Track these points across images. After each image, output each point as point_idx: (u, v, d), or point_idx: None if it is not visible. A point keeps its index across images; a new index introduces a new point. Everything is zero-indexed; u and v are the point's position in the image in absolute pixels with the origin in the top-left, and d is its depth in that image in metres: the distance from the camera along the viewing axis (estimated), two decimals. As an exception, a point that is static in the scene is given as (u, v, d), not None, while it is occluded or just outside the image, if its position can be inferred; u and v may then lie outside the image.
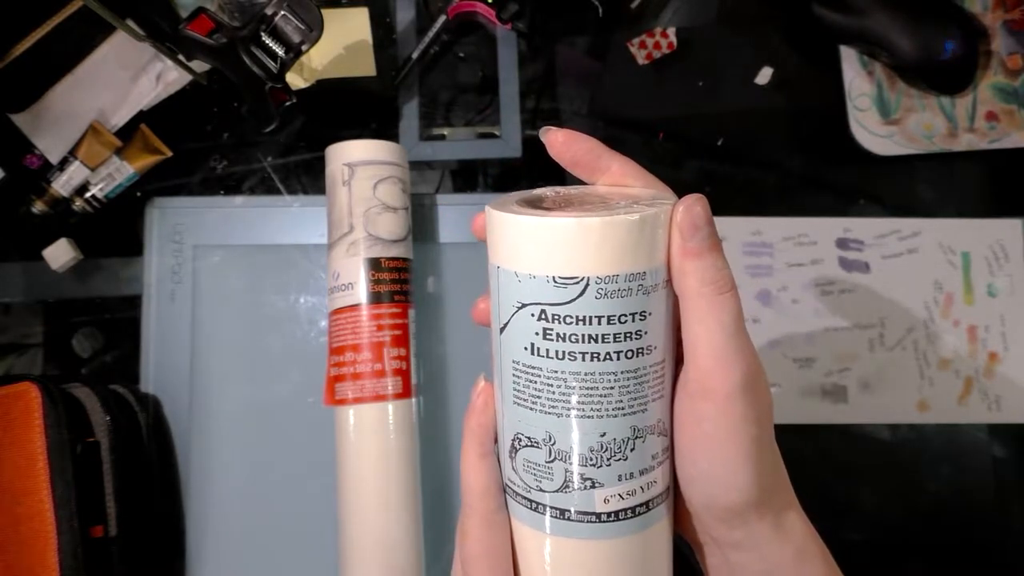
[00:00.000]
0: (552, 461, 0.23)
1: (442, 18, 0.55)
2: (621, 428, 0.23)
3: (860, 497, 0.53)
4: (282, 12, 0.46)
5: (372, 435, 0.44)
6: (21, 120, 0.53)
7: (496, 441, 0.26)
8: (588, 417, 0.23)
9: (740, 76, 0.57)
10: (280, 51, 0.46)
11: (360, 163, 0.46)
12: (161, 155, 0.53)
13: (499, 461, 0.26)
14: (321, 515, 0.48)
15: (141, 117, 0.54)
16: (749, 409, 0.23)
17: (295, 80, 0.54)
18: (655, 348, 0.23)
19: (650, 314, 0.23)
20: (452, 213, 0.53)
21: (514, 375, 0.24)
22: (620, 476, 0.23)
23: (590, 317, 0.22)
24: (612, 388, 0.23)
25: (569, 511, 0.24)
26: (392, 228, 0.46)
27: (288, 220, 0.53)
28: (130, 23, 0.49)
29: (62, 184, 0.51)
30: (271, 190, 0.55)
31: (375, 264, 0.45)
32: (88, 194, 0.52)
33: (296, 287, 0.52)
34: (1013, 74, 0.56)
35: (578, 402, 0.23)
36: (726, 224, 0.55)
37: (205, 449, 0.50)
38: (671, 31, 0.56)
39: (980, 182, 0.56)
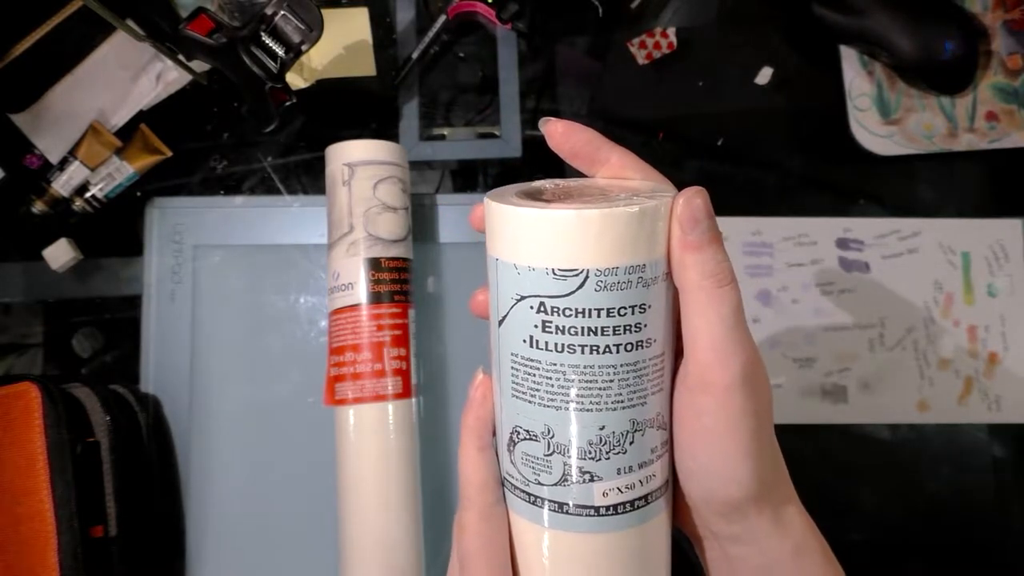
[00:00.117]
0: (551, 454, 0.23)
1: (442, 18, 0.55)
2: (620, 421, 0.23)
3: (860, 497, 0.53)
4: (282, 12, 0.46)
5: (372, 435, 0.44)
6: (21, 120, 0.53)
7: (494, 434, 0.26)
8: (587, 410, 0.23)
9: (740, 76, 0.57)
10: (280, 51, 0.46)
11: (360, 163, 0.46)
12: (161, 155, 0.53)
13: (497, 455, 0.26)
14: (321, 515, 0.48)
15: (141, 117, 0.54)
16: (748, 403, 0.23)
17: (295, 80, 0.54)
18: (655, 341, 0.23)
19: (650, 307, 0.23)
20: (452, 213, 0.53)
21: (513, 368, 0.24)
22: (619, 470, 0.23)
23: (589, 310, 0.22)
24: (611, 381, 0.23)
25: (567, 504, 0.23)
26: (392, 228, 0.46)
27: (288, 220, 0.53)
28: (130, 23, 0.49)
29: (62, 184, 0.51)
30: (271, 190, 0.55)
31: (375, 264, 0.45)
32: (88, 194, 0.52)
33: (296, 287, 0.52)
34: (1013, 74, 0.56)
35: (577, 395, 0.23)
36: (726, 224, 0.55)
37: (205, 449, 0.50)
38: (671, 31, 0.56)
39: (980, 182, 0.56)
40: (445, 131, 0.56)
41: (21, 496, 0.41)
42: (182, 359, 0.51)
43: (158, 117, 0.54)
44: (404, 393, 0.44)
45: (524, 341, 0.23)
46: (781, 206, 0.55)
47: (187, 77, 0.53)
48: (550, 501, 0.24)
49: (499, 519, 0.25)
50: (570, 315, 0.22)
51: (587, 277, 0.22)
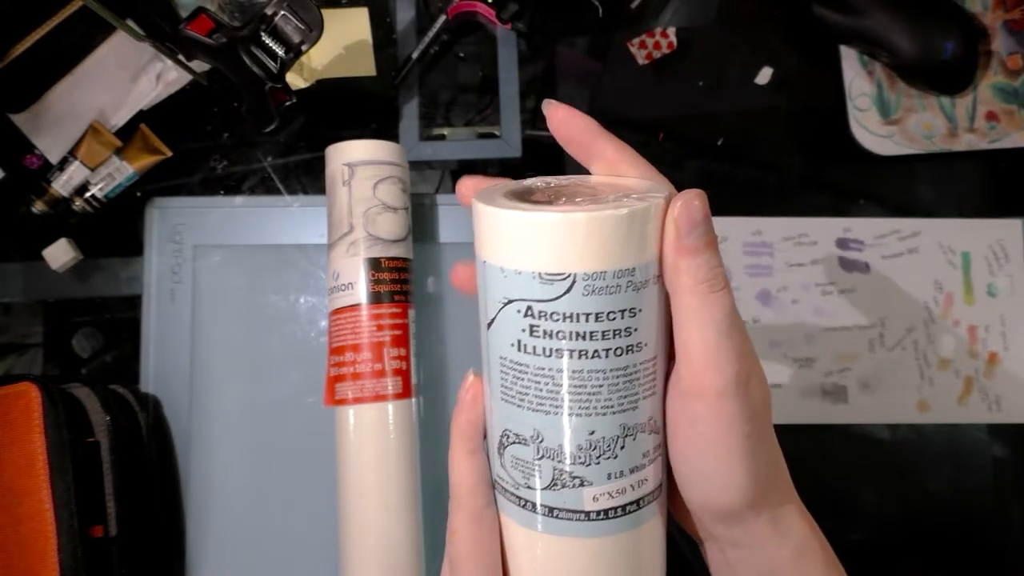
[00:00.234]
0: (540, 459, 0.23)
1: (442, 18, 0.55)
2: (610, 426, 0.23)
3: (860, 497, 0.53)
4: (282, 12, 0.46)
5: (372, 435, 0.44)
6: (21, 120, 0.53)
7: (486, 437, 0.26)
8: (576, 415, 0.22)
9: (740, 76, 0.57)
10: (280, 51, 0.46)
11: (360, 163, 0.46)
12: (161, 155, 0.53)
13: (488, 457, 0.26)
14: (321, 515, 0.48)
15: (141, 117, 0.54)
16: (742, 408, 0.22)
17: (295, 80, 0.54)
18: (646, 345, 0.23)
19: (640, 311, 0.22)
20: (452, 213, 0.53)
21: (501, 371, 0.24)
22: (609, 475, 0.23)
23: (577, 314, 0.22)
24: (601, 386, 0.22)
25: (558, 509, 0.23)
26: (392, 228, 0.46)
27: (288, 220, 0.53)
28: (130, 23, 0.49)
29: (62, 184, 0.51)
30: (271, 190, 0.55)
31: (375, 264, 0.45)
32: (88, 194, 0.52)
33: (296, 287, 0.52)
34: (1013, 74, 0.56)
35: (565, 400, 0.22)
36: (726, 224, 0.55)
37: (205, 449, 0.50)
38: (671, 31, 0.56)
39: (980, 182, 0.56)
40: (445, 131, 0.56)
41: (21, 496, 0.41)
42: (182, 359, 0.51)
43: (158, 117, 0.54)
44: (404, 393, 0.44)
45: (512, 345, 0.23)
46: (781, 206, 0.55)
47: (187, 77, 0.53)
48: (540, 505, 0.23)
49: (489, 522, 0.25)
50: (558, 319, 0.22)
51: (574, 281, 0.21)
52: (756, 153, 0.56)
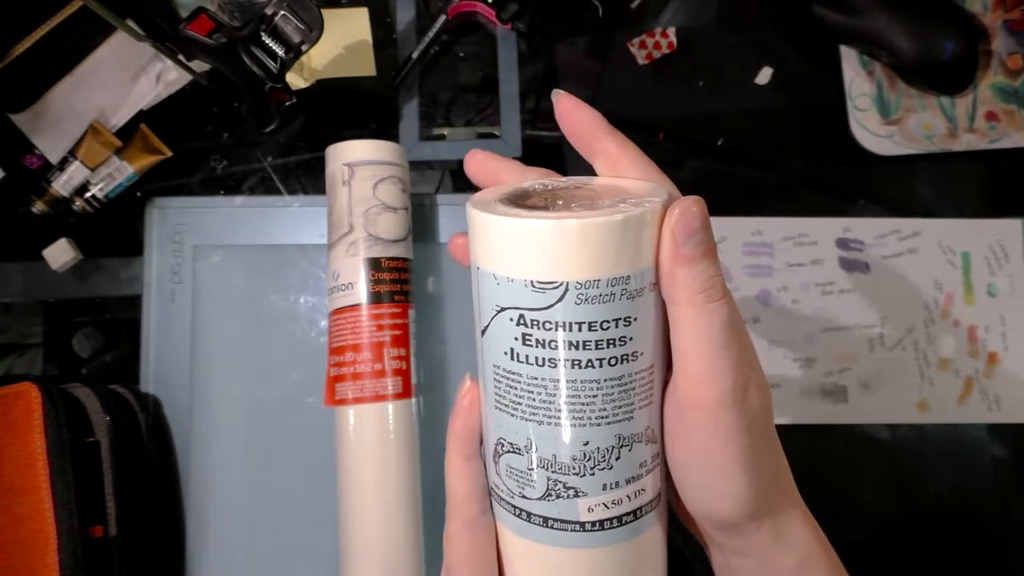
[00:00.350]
0: (534, 468, 0.23)
1: (442, 18, 0.54)
2: (605, 437, 0.22)
3: (860, 497, 0.53)
4: (282, 12, 0.46)
5: (372, 435, 0.44)
6: (21, 120, 0.53)
7: (482, 443, 0.25)
8: (570, 425, 0.22)
9: (740, 76, 0.57)
10: (280, 51, 0.46)
11: (360, 163, 0.46)
12: (161, 155, 0.53)
13: (485, 464, 0.25)
14: (321, 515, 0.48)
15: (141, 117, 0.54)
16: (740, 418, 0.22)
17: (295, 80, 0.54)
18: (641, 354, 0.22)
19: (635, 319, 0.22)
20: (452, 213, 0.53)
21: (495, 379, 0.23)
22: (605, 485, 0.22)
23: (571, 323, 0.21)
24: (595, 396, 0.22)
25: (552, 519, 0.23)
26: (392, 228, 0.46)
27: (288, 220, 0.53)
28: (130, 23, 0.49)
29: (62, 184, 0.51)
30: (271, 190, 0.55)
31: (375, 264, 0.45)
32: (88, 194, 0.52)
33: (296, 287, 0.52)
34: (1013, 74, 0.56)
35: (559, 410, 0.22)
36: (726, 224, 0.55)
37: (205, 449, 0.50)
38: (671, 31, 0.56)
39: (980, 182, 0.56)
40: (445, 131, 0.56)
41: (21, 496, 0.41)
42: (182, 359, 0.51)
43: (158, 117, 0.54)
44: (404, 393, 0.44)
45: (505, 353, 0.22)
46: (781, 206, 0.55)
47: (187, 77, 0.53)
48: (535, 515, 0.23)
49: (485, 530, 0.25)
50: (550, 328, 0.21)
51: (567, 289, 0.21)
52: (756, 153, 0.56)
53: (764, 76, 0.57)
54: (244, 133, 0.55)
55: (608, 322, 0.21)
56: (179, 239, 0.52)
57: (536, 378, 0.22)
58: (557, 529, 0.23)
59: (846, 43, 0.57)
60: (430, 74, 0.56)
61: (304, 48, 0.47)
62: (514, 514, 0.24)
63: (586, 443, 0.22)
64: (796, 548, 0.24)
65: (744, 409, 0.22)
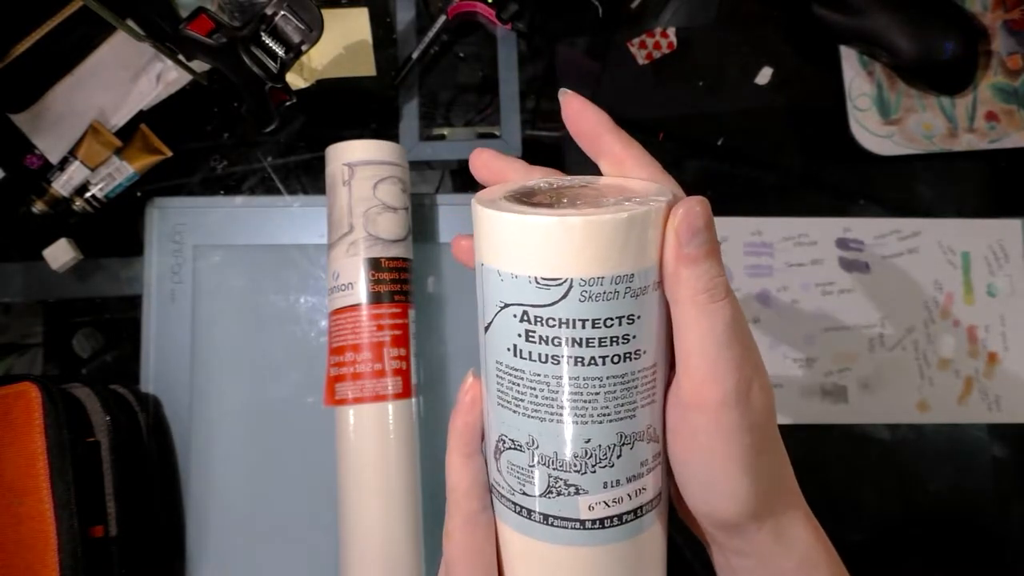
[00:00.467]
0: (535, 465, 0.23)
1: (442, 18, 0.55)
2: (607, 434, 0.22)
3: (860, 497, 0.53)
4: (282, 12, 0.46)
5: (372, 435, 0.44)
6: (21, 120, 0.53)
7: (484, 439, 0.25)
8: (572, 423, 0.22)
9: (740, 76, 0.57)
10: (280, 51, 0.46)
11: (360, 163, 0.46)
12: (161, 155, 0.53)
13: (486, 460, 0.25)
14: (321, 515, 0.48)
15: (141, 117, 0.54)
16: (743, 418, 0.22)
17: (295, 80, 0.54)
18: (645, 352, 0.22)
19: (639, 317, 0.22)
20: (452, 213, 0.53)
21: (498, 376, 0.23)
22: (606, 483, 0.22)
23: (574, 320, 0.21)
24: (597, 393, 0.22)
25: (553, 516, 0.23)
26: (392, 228, 0.46)
27: (288, 220, 0.53)
28: (130, 23, 0.49)
29: (62, 184, 0.51)
30: (271, 190, 0.55)
31: (375, 264, 0.45)
32: (88, 194, 0.52)
33: (296, 287, 0.52)
34: (1013, 74, 0.56)
35: (561, 407, 0.22)
36: (726, 224, 0.55)
37: (205, 449, 0.50)
38: (671, 31, 0.56)
39: (980, 182, 0.56)
40: (445, 131, 0.56)
41: (21, 496, 0.41)
42: (182, 359, 0.51)
43: (158, 117, 0.54)
44: (404, 393, 0.44)
45: (508, 350, 0.22)
46: (781, 206, 0.55)
47: (187, 77, 0.53)
48: (536, 512, 0.23)
49: (485, 526, 0.25)
50: (554, 325, 0.21)
51: (571, 286, 0.21)
52: (756, 153, 0.56)
53: (764, 76, 0.57)
54: (244, 133, 0.55)
55: (612, 320, 0.21)
56: (179, 239, 0.52)
57: (539, 375, 0.22)
58: (557, 527, 0.23)
59: (846, 43, 0.57)
60: (430, 74, 0.56)
61: (304, 48, 0.47)
62: (514, 511, 0.24)
63: (588, 440, 0.22)
64: (797, 549, 0.24)
65: (747, 409, 0.22)
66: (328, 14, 0.48)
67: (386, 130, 0.55)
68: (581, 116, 0.25)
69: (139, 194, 0.53)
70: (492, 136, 0.55)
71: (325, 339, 0.47)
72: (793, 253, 0.55)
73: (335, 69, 0.55)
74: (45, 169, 0.53)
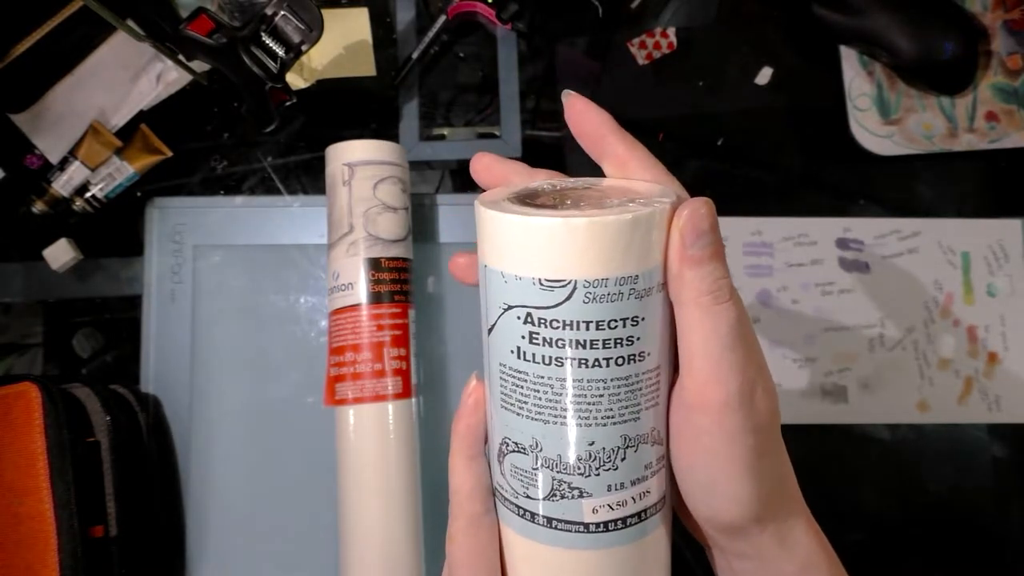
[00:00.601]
0: (539, 468, 0.23)
1: (442, 18, 0.55)
2: (611, 437, 0.22)
3: (860, 497, 0.53)
4: (282, 12, 0.46)
5: (372, 435, 0.44)
6: (21, 120, 0.53)
7: (487, 442, 0.25)
8: (576, 425, 0.22)
9: (740, 76, 0.57)
10: (280, 51, 0.46)
11: (360, 163, 0.46)
12: (161, 155, 0.53)
13: (489, 463, 0.25)
14: (321, 515, 0.48)
15: (141, 117, 0.54)
16: (747, 421, 0.22)
17: (295, 80, 0.54)
18: (649, 355, 0.22)
19: (643, 319, 0.22)
20: (452, 213, 0.53)
21: (501, 378, 0.23)
22: (610, 486, 0.22)
23: (578, 322, 0.21)
24: (601, 396, 0.22)
25: (557, 520, 0.23)
26: (392, 228, 0.46)
27: (288, 220, 0.53)
28: (130, 23, 0.49)
29: (62, 184, 0.51)
30: (271, 190, 0.55)
31: (375, 264, 0.45)
32: (88, 194, 0.52)
33: (296, 287, 0.52)
34: (1013, 74, 0.56)
35: (565, 409, 0.22)
36: (726, 224, 0.55)
37: (205, 449, 0.50)
38: (671, 31, 0.56)
39: (980, 182, 0.56)
40: (445, 131, 0.56)
41: (21, 496, 0.41)
42: (182, 359, 0.51)
43: (158, 117, 0.54)
44: (404, 393, 0.44)
45: (512, 352, 0.22)
46: (781, 206, 0.55)
47: (187, 77, 0.53)
48: (539, 515, 0.23)
49: (488, 529, 0.24)
50: (558, 327, 0.21)
51: (575, 288, 0.21)
52: (756, 153, 0.56)
53: (764, 76, 0.57)
54: (244, 133, 0.55)
55: (616, 321, 0.21)
56: (179, 239, 0.52)
57: (542, 377, 0.22)
58: (561, 530, 0.23)
59: (846, 43, 0.57)
60: (430, 74, 0.56)
61: (304, 48, 0.47)
62: (518, 514, 0.24)
63: (592, 443, 0.22)
64: (799, 553, 0.24)
65: (750, 412, 0.22)
66: (328, 14, 0.48)
67: (386, 130, 0.55)
68: (584, 117, 0.25)
69: (139, 194, 0.53)
70: (492, 136, 0.55)
71: (325, 339, 0.47)
72: (793, 253, 0.55)
73: (335, 69, 0.55)
74: (45, 169, 0.53)
